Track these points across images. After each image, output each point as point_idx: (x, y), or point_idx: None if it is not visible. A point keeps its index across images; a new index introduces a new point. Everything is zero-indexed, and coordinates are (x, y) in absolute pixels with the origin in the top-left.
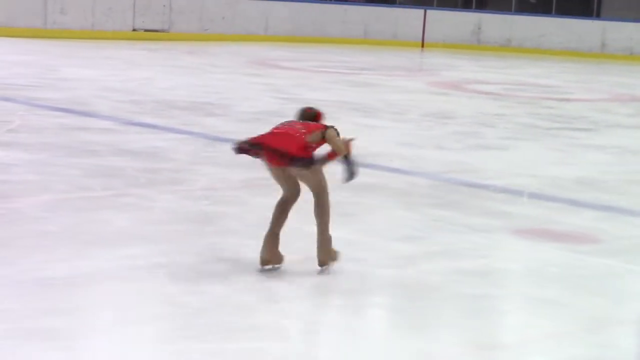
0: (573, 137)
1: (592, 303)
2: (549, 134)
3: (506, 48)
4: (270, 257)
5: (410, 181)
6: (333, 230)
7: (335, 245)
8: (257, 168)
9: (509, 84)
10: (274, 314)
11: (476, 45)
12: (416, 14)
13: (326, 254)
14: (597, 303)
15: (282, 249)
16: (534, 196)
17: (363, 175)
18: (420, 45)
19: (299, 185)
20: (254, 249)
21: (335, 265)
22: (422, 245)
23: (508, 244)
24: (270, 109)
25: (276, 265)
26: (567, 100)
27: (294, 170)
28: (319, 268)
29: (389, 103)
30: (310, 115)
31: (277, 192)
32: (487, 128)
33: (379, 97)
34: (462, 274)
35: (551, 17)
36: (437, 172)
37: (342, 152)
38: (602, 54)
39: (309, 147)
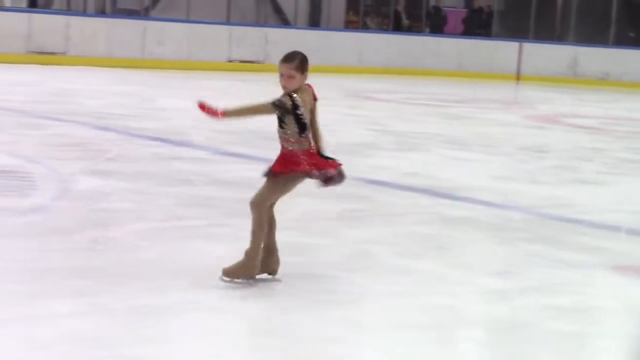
0: None
1: None
2: None
3: (603, 82)
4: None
5: (504, 215)
6: (425, 263)
7: (428, 278)
8: (351, 199)
9: (606, 118)
10: (363, 346)
11: (573, 79)
12: (511, 46)
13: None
14: None
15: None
16: (633, 232)
17: (456, 209)
18: (516, 78)
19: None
20: (348, 281)
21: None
22: (515, 281)
23: (605, 280)
24: (363, 140)
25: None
26: None
27: None
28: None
29: (483, 136)
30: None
31: (371, 224)
32: (584, 162)
33: (472, 130)
34: (556, 310)
35: None
36: (532, 206)
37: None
38: None
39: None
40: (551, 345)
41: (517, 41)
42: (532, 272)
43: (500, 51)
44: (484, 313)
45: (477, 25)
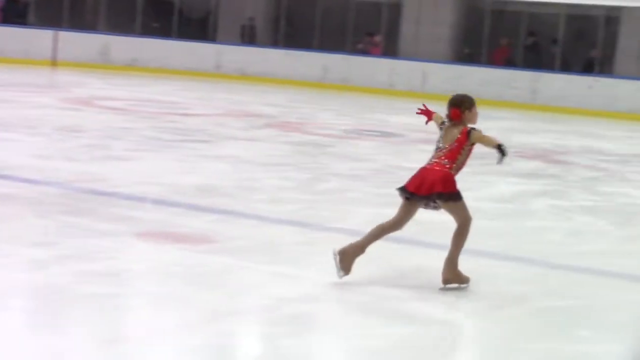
0: (193, 149)
1: (211, 297)
2: (172, 146)
3: (133, 67)
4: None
5: (42, 190)
6: None
7: None
8: None
9: (135, 101)
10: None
11: (105, 65)
12: (47, 34)
13: (452, 274)
14: (215, 296)
15: None
16: (157, 202)
17: None
18: (53, 63)
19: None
20: None
21: (464, 286)
22: (54, 250)
23: (133, 246)
24: None
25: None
26: (188, 115)
27: (443, 205)
28: (443, 285)
29: (23, 118)
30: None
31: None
32: (115, 140)
33: (13, 113)
34: (92, 275)
35: (173, 40)
36: (68, 182)
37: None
38: (217, 74)
39: (454, 178)
40: (86, 307)
41: (53, 29)
42: (68, 241)
43: (37, 39)
44: (25, 281)
45: (14, 14)
